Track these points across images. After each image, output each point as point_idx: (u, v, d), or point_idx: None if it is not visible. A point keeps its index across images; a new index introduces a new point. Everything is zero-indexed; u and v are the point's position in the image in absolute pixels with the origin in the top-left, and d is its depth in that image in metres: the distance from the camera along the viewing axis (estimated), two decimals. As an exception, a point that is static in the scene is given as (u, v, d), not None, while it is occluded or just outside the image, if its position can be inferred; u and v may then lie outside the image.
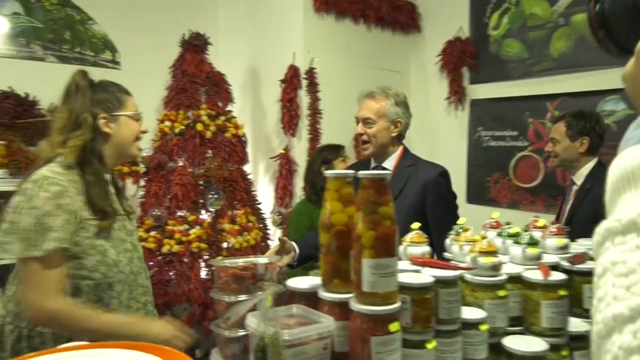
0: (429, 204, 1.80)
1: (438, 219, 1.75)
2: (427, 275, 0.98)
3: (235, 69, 3.55)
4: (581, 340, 1.16)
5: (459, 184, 3.14)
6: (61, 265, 1.29)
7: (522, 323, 1.16)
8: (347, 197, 0.97)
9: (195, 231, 2.88)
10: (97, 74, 3.18)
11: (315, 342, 0.90)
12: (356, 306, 0.90)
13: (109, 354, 0.63)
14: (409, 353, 0.93)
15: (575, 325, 1.17)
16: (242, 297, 1.01)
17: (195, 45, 3.12)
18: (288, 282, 1.05)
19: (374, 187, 0.90)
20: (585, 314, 1.22)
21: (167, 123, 3.06)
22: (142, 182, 3.17)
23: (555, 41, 3.03)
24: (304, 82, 3.22)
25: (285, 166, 3.25)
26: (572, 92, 2.96)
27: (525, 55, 3.19)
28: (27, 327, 1.32)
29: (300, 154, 3.28)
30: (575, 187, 2.34)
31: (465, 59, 3.44)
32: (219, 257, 1.27)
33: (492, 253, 1.11)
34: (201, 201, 3.00)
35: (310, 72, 3.20)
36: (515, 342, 1.07)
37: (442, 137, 3.68)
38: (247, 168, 3.26)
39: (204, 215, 3.02)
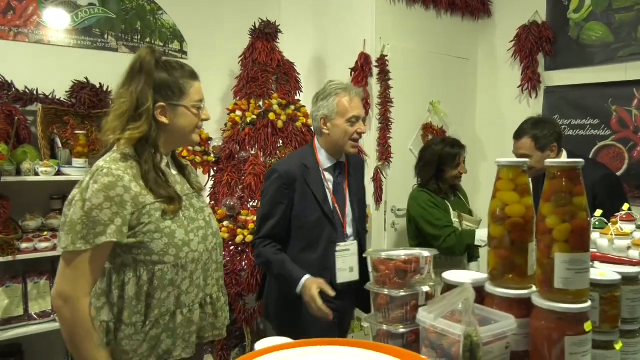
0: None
1: None
2: (612, 272, 0.91)
3: (299, 58, 3.50)
4: None
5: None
6: (102, 260, 1.27)
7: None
8: (523, 187, 0.92)
9: (269, 221, 2.87)
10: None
11: (499, 342, 0.85)
12: (545, 304, 0.85)
13: (346, 352, 0.60)
14: (598, 354, 0.88)
15: None
16: (403, 292, 0.97)
17: (266, 34, 3.09)
18: (446, 275, 1.01)
19: (566, 176, 0.84)
20: None
21: (238, 113, 3.05)
22: (211, 172, 3.18)
23: (646, 24, 2.86)
24: (375, 70, 3.15)
25: (354, 156, 3.20)
26: (663, 77, 2.80)
27: (610, 39, 3.03)
28: (112, 320, 1.31)
29: (370, 144, 3.22)
30: None
31: (541, 44, 3.30)
32: (370, 250, 1.24)
33: (663, 248, 1.04)
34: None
35: (382, 60, 3.13)
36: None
37: (513, 126, 3.54)
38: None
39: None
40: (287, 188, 1.95)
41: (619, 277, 0.90)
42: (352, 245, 2.03)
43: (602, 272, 0.90)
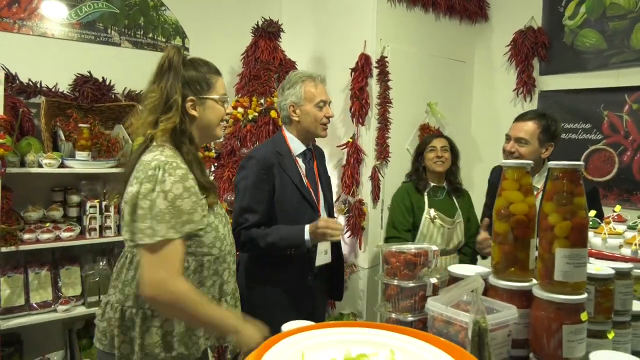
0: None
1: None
2: (607, 267, 0.98)
3: (300, 57, 3.55)
4: None
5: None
6: (183, 247, 1.33)
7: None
8: (527, 187, 0.98)
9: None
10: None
11: (503, 329, 0.92)
12: (545, 295, 0.91)
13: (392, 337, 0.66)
14: (591, 342, 0.95)
15: None
16: (412, 283, 1.03)
17: (269, 33, 3.14)
18: (451, 268, 1.07)
19: (567, 177, 0.91)
20: None
21: (240, 109, 3.10)
22: (212, 167, 3.22)
23: (638, 32, 2.96)
24: (374, 71, 3.21)
25: (353, 155, 3.26)
26: (653, 84, 2.90)
27: (603, 46, 3.12)
28: (150, 307, 1.36)
29: (368, 143, 3.28)
30: (535, 192, 2.25)
31: (536, 50, 3.39)
32: (380, 243, 1.30)
33: (654, 246, 1.11)
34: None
35: (382, 61, 3.19)
36: (677, 336, 1.07)
37: (507, 129, 3.63)
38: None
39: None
40: (266, 174, 2.00)
41: (613, 272, 0.97)
42: (326, 246, 2.11)
43: (598, 267, 0.98)
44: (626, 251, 1.15)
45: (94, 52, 3.08)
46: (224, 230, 1.46)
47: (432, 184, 2.76)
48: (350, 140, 3.28)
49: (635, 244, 1.12)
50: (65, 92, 2.88)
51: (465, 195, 2.82)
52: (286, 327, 0.76)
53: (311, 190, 2.14)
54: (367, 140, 3.28)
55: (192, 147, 1.42)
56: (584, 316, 0.90)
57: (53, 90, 2.82)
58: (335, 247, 2.20)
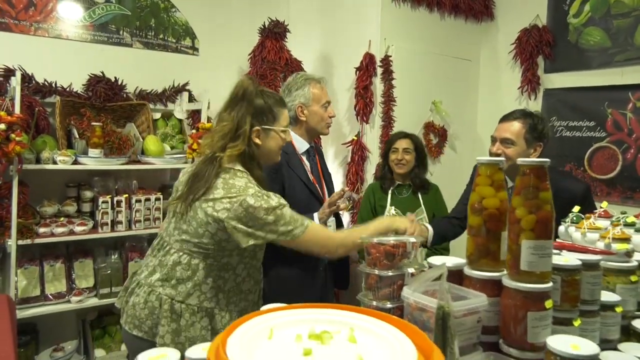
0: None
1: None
2: (574, 258, 1.03)
3: (306, 56, 3.62)
4: None
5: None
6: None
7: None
8: (499, 183, 1.04)
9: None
10: (178, 59, 3.39)
11: (472, 316, 0.98)
12: (513, 284, 0.97)
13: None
14: (558, 329, 1.00)
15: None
16: (391, 273, 1.10)
17: (275, 33, 3.22)
18: (431, 260, 1.13)
19: (534, 173, 0.96)
20: None
21: (247, 108, 3.18)
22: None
23: (642, 30, 2.96)
24: (379, 70, 3.26)
25: (357, 152, 3.32)
26: (658, 82, 2.90)
27: (607, 44, 3.12)
28: (215, 307, 1.54)
29: (372, 141, 3.34)
30: None
31: (541, 48, 3.40)
32: (363, 235, 1.39)
33: (626, 240, 1.16)
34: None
35: (386, 60, 3.24)
36: (647, 325, 1.12)
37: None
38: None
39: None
40: (276, 173, 2.09)
41: (579, 263, 1.02)
42: (332, 221, 2.24)
43: (566, 259, 1.03)
44: (600, 244, 1.19)
45: (107, 53, 3.19)
46: None
47: (398, 182, 2.79)
48: (355, 138, 3.34)
49: (608, 238, 1.16)
50: (79, 91, 3.00)
51: (432, 191, 2.80)
52: (263, 309, 0.83)
53: (317, 185, 2.24)
54: (372, 138, 3.34)
55: (259, 171, 1.60)
56: (548, 304, 0.95)
57: (67, 90, 2.94)
58: None
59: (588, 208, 2.06)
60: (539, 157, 2.09)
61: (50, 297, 2.73)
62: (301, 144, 2.24)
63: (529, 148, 1.98)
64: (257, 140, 1.57)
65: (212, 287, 1.52)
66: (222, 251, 1.51)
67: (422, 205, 2.74)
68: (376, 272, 1.09)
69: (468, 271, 1.07)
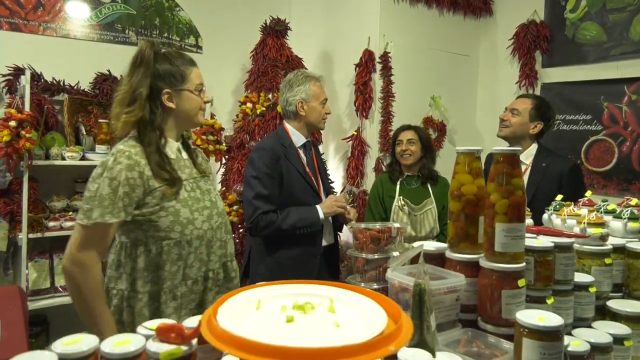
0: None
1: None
2: (547, 240, 1.10)
3: (307, 54, 3.69)
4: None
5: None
6: (114, 232, 1.45)
7: (624, 289, 1.27)
8: (476, 171, 1.11)
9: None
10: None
11: (451, 294, 1.05)
12: (488, 264, 1.04)
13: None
14: (532, 307, 1.06)
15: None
16: (377, 256, 1.17)
17: (276, 31, 3.29)
18: (415, 244, 1.20)
19: (507, 161, 1.03)
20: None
21: (249, 105, 3.26)
22: (223, 160, 3.39)
23: (637, 24, 3.00)
24: (378, 66, 3.33)
25: (357, 147, 3.39)
26: (652, 75, 2.94)
27: (603, 38, 3.17)
28: (128, 288, 1.47)
29: (372, 136, 3.41)
30: (524, 167, 2.46)
31: (539, 43, 3.45)
32: (353, 222, 1.45)
33: (601, 225, 1.22)
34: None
35: (385, 56, 3.30)
36: (620, 304, 1.18)
37: (510, 121, 3.71)
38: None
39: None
40: (275, 163, 2.19)
41: (551, 244, 1.08)
42: None
43: (539, 241, 1.09)
44: (576, 229, 1.26)
45: (113, 51, 3.28)
46: (193, 215, 1.50)
47: (407, 174, 2.85)
48: (355, 133, 3.41)
49: (584, 223, 1.23)
50: (86, 89, 3.09)
51: (441, 183, 2.85)
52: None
53: (312, 177, 2.34)
54: (371, 133, 3.41)
55: (159, 140, 1.48)
56: (521, 282, 1.02)
57: (75, 88, 3.03)
58: (335, 229, 2.42)
59: (577, 183, 2.33)
60: (537, 134, 2.39)
61: (60, 289, 2.82)
62: (298, 138, 2.33)
63: (531, 122, 2.41)
64: (171, 104, 1.50)
65: (132, 268, 1.49)
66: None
67: (432, 196, 2.80)
68: (363, 255, 1.16)
69: (449, 254, 1.14)
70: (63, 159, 2.76)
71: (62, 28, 3.09)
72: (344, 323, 0.72)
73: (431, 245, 1.18)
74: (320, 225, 2.22)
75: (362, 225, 1.20)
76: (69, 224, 2.78)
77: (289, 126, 2.36)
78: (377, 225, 1.18)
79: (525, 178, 2.41)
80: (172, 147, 1.56)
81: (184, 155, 1.62)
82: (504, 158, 1.03)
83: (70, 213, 2.85)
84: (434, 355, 0.87)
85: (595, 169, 3.24)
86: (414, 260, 1.21)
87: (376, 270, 1.14)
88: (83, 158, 2.83)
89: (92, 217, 1.36)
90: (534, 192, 2.32)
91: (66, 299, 2.78)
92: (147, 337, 0.73)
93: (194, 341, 0.69)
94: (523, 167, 2.49)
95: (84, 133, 2.96)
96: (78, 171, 3.04)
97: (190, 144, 1.69)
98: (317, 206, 2.22)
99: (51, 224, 2.74)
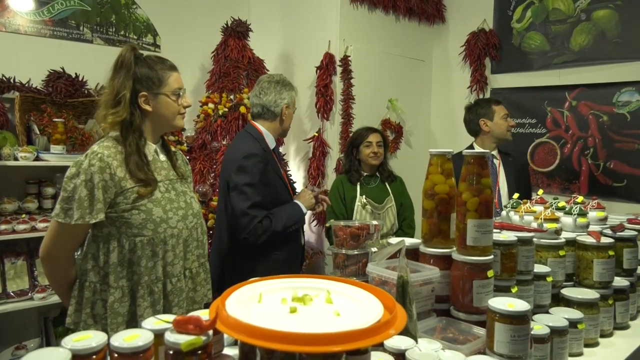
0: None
1: None
2: (512, 235, 1.21)
3: (268, 56, 3.72)
4: (621, 293, 1.41)
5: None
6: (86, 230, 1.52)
7: (575, 278, 1.41)
8: (448, 171, 1.20)
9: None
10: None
11: (427, 286, 1.13)
12: (461, 257, 1.13)
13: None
14: (498, 295, 1.17)
15: (617, 281, 1.42)
16: (357, 252, 1.24)
17: (237, 32, 3.30)
18: (391, 240, 1.28)
19: (477, 162, 1.12)
20: (623, 273, 1.47)
21: (211, 105, 3.25)
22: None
23: (577, 35, 3.25)
24: (339, 69, 3.41)
25: (318, 148, 3.45)
26: (590, 83, 3.20)
27: (546, 47, 3.41)
28: (99, 282, 1.51)
29: (333, 137, 3.48)
30: (496, 161, 2.77)
31: (488, 50, 3.66)
32: (332, 220, 1.49)
33: (555, 220, 1.35)
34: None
35: (345, 60, 3.39)
36: (572, 292, 1.31)
37: (463, 124, 3.90)
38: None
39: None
40: (265, 168, 2.23)
41: (515, 239, 1.19)
42: None
43: (504, 236, 1.20)
44: (534, 224, 1.38)
45: (67, 48, 3.17)
46: (167, 215, 1.54)
47: (365, 174, 2.96)
48: (316, 134, 3.48)
49: (540, 219, 1.35)
50: (38, 87, 2.97)
51: (398, 181, 3.00)
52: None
53: (287, 179, 2.44)
54: (332, 134, 3.49)
55: (139, 141, 1.53)
56: (490, 273, 1.12)
57: (26, 85, 2.91)
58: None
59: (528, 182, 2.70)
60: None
61: (12, 294, 2.71)
62: (271, 141, 2.36)
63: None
64: (147, 107, 1.54)
65: (105, 262, 1.54)
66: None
67: (391, 194, 2.91)
68: (343, 251, 1.23)
69: (423, 249, 1.22)
70: (15, 159, 2.65)
71: (12, 23, 2.96)
72: (343, 312, 0.78)
73: (408, 241, 1.27)
74: (305, 220, 2.32)
75: (342, 223, 1.26)
76: (21, 227, 2.67)
77: (262, 128, 2.35)
78: (357, 223, 1.25)
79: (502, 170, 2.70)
80: (150, 149, 1.59)
81: (162, 157, 1.65)
82: (475, 160, 1.12)
83: (23, 216, 2.74)
84: (416, 341, 0.95)
85: (540, 169, 3.48)
86: (392, 256, 1.29)
87: (356, 266, 1.21)
88: (37, 159, 2.72)
89: (73, 217, 1.42)
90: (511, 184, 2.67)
91: (19, 305, 2.68)
92: (154, 331, 0.76)
93: (210, 332, 0.72)
94: (497, 163, 2.77)
95: (37, 132, 2.85)
96: (30, 172, 2.92)
97: (170, 147, 1.71)
98: (297, 201, 2.29)
99: (2, 227, 2.62)
